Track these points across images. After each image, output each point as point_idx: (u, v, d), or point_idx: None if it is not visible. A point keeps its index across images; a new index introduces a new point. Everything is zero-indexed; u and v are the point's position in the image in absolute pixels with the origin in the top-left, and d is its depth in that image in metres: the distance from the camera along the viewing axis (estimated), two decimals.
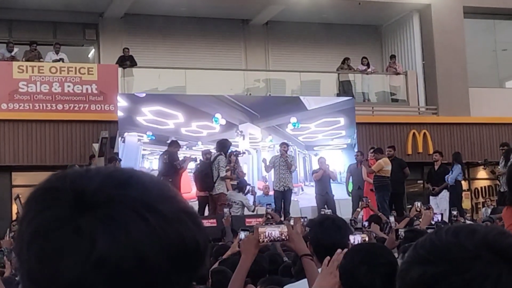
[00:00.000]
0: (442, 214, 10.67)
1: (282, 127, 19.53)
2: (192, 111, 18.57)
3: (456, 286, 1.15)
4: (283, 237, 3.67)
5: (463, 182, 17.55)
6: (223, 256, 6.75)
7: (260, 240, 3.68)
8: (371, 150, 16.35)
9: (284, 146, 15.65)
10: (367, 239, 4.68)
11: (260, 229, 3.72)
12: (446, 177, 15.74)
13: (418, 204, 10.14)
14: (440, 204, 15.55)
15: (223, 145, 14.75)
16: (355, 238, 4.60)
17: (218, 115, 18.61)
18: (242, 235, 5.68)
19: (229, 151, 15.24)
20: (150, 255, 0.91)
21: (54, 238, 0.91)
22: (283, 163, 15.26)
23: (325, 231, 3.60)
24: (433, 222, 8.93)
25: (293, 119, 19.35)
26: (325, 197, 15.61)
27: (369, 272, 2.82)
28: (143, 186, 0.96)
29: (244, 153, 16.98)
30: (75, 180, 0.95)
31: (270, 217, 12.21)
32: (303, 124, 19.46)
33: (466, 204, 20.22)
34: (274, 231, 3.69)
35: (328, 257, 3.17)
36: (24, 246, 0.93)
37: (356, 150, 18.21)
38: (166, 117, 18.22)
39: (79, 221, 0.91)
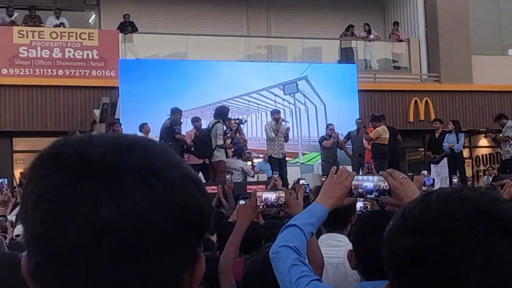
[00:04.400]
0: (433, 182, 10.63)
1: None
2: None
3: (449, 257, 1.12)
4: (280, 202, 3.60)
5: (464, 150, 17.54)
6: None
7: (257, 205, 3.67)
8: (371, 118, 16.33)
9: (277, 113, 15.38)
10: (369, 206, 4.67)
11: (258, 194, 3.69)
12: (445, 144, 15.62)
13: (424, 173, 10.12)
14: (441, 172, 15.54)
15: (220, 112, 14.44)
16: (358, 205, 4.60)
17: None
18: (242, 202, 5.68)
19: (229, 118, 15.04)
20: (154, 221, 0.90)
21: (58, 203, 0.90)
22: (282, 130, 15.16)
23: None
24: (424, 188, 8.91)
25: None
26: (332, 165, 15.54)
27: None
28: (147, 152, 0.95)
29: (246, 121, 16.81)
30: (79, 147, 0.94)
31: (275, 182, 12.22)
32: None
33: (467, 172, 20.23)
34: (270, 196, 3.63)
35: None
36: (28, 211, 0.93)
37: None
38: None
39: (83, 187, 0.90)
